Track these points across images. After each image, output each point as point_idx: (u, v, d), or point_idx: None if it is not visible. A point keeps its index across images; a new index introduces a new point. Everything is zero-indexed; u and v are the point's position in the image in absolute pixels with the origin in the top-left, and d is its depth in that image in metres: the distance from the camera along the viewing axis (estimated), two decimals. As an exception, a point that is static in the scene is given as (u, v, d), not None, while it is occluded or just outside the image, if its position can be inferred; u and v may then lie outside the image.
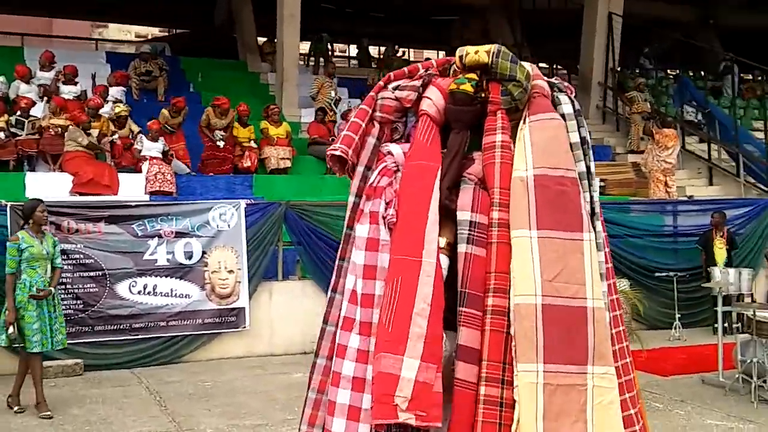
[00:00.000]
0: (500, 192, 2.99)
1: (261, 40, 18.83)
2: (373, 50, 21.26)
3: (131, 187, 11.19)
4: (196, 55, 18.36)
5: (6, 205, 8.52)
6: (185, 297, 9.11)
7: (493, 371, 2.84)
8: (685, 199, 13.02)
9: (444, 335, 2.94)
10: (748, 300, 10.55)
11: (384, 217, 3.14)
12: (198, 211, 9.35)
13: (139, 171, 11.33)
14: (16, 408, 6.76)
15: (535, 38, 20.51)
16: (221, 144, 12.27)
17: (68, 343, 7.47)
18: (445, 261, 3.03)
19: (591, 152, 3.18)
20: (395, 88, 3.37)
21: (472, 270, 2.95)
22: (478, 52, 3.21)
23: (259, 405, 7.04)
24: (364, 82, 16.75)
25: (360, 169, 3.37)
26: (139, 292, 8.93)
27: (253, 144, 12.75)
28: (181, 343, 9.10)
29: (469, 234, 2.99)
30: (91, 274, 8.73)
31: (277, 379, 8.18)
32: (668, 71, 20.54)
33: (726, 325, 10.62)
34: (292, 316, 9.65)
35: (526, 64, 3.24)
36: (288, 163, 12.73)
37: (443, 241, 3.05)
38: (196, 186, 11.74)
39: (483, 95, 3.20)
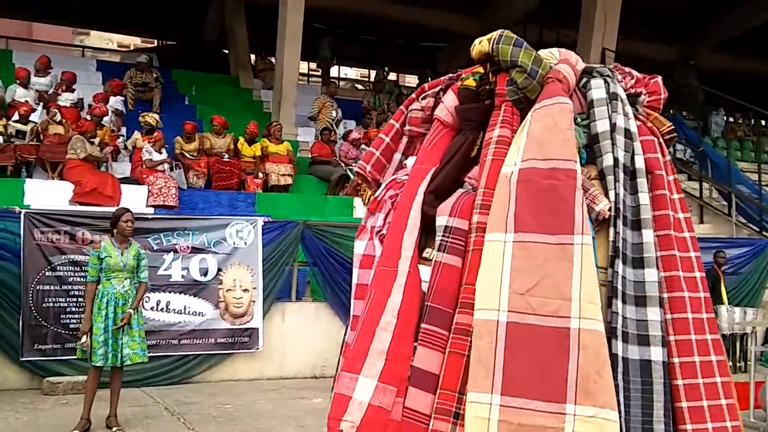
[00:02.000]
0: (484, 192, 2.56)
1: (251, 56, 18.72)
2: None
3: (133, 199, 10.87)
4: (183, 67, 18.13)
5: (20, 213, 8.23)
6: (199, 315, 8.86)
7: (445, 401, 2.38)
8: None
9: None
10: (752, 339, 10.71)
11: (378, 231, 2.90)
12: (215, 227, 9.13)
13: (142, 183, 11.07)
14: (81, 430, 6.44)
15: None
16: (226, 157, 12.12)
17: (72, 360, 7.26)
18: (428, 273, 2.65)
19: (637, 144, 2.66)
20: (422, 99, 3.13)
21: (439, 281, 2.55)
22: (481, 42, 2.90)
23: (292, 431, 6.82)
24: (359, 104, 16.74)
25: (384, 183, 3.14)
26: (152, 308, 8.65)
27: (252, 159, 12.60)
28: (193, 363, 8.84)
29: (442, 240, 2.60)
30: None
31: (299, 404, 7.95)
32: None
33: (731, 363, 10.79)
34: (305, 339, 9.46)
35: (553, 50, 2.91)
36: (289, 180, 12.53)
37: (432, 253, 2.69)
38: (198, 201, 11.47)
39: (489, 88, 2.86)
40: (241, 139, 12.63)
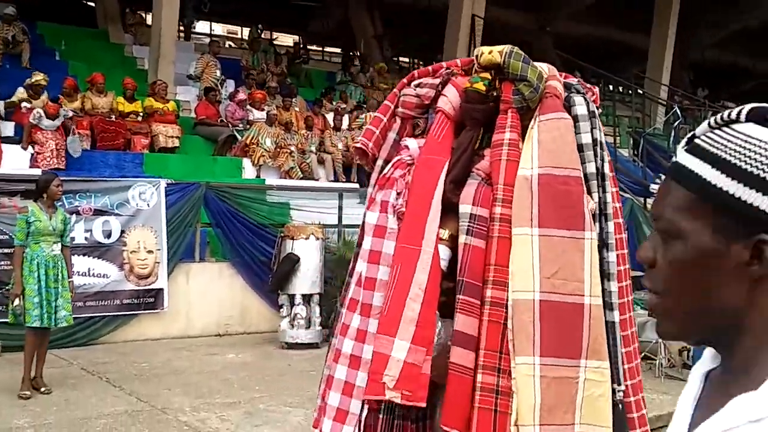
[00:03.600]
0: (503, 188, 3.02)
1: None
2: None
3: (15, 160, 10.58)
4: (45, 20, 17.31)
5: None
6: (103, 277, 8.89)
7: (489, 360, 2.91)
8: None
9: (440, 322, 3.06)
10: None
11: (394, 206, 3.26)
12: (117, 189, 9.13)
13: (32, 143, 10.70)
14: (28, 392, 6.52)
15: (397, 31, 21.26)
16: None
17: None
18: (445, 252, 3.11)
19: (605, 153, 3.23)
20: (417, 86, 3.44)
21: (470, 260, 3.00)
22: (492, 52, 3.22)
23: (217, 384, 7.13)
24: (236, 63, 16.67)
25: (379, 162, 3.49)
26: (56, 271, 8.57)
27: (140, 119, 12.41)
28: (99, 324, 8.87)
29: (468, 226, 3.04)
30: (5, 250, 8.28)
31: (214, 359, 8.24)
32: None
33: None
34: (209, 298, 9.67)
35: (543, 65, 3.29)
36: (176, 142, 12.44)
37: (446, 233, 3.11)
38: (84, 161, 11.24)
39: (495, 94, 3.22)
40: (120, 98, 12.35)
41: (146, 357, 8.19)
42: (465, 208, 3.08)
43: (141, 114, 12.35)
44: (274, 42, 20.41)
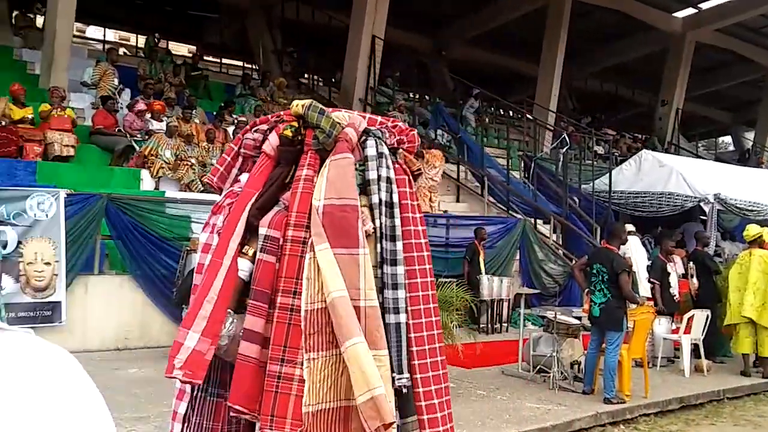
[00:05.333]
0: (296, 215, 3.71)
1: None
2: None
3: None
4: None
5: None
6: (-2, 289, 8.53)
7: (276, 353, 3.54)
8: (450, 214, 14.67)
9: (234, 318, 3.66)
10: (506, 303, 12.44)
11: (218, 228, 3.90)
12: (14, 198, 8.81)
13: None
14: None
15: (297, 47, 21.36)
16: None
17: None
18: (246, 265, 3.72)
19: (393, 186, 3.87)
20: (254, 131, 4.13)
21: (261, 273, 3.66)
22: (297, 105, 3.98)
23: (123, 399, 6.99)
24: (132, 71, 16.31)
25: (224, 192, 4.18)
26: (-54, 282, 8.20)
27: (31, 126, 11.99)
28: (-9, 338, 8.49)
29: (263, 245, 3.71)
30: None
31: (116, 375, 8.06)
32: (409, 95, 22.57)
33: (488, 324, 12.41)
34: (108, 311, 9.45)
35: (344, 115, 3.97)
36: (72, 152, 12.11)
37: (250, 251, 3.74)
38: (-28, 169, 10.79)
39: (301, 138, 3.93)
40: (11, 104, 11.91)
41: (44, 372, 7.91)
42: (262, 230, 3.73)
43: (33, 120, 11.94)
44: (173, 52, 20.08)
